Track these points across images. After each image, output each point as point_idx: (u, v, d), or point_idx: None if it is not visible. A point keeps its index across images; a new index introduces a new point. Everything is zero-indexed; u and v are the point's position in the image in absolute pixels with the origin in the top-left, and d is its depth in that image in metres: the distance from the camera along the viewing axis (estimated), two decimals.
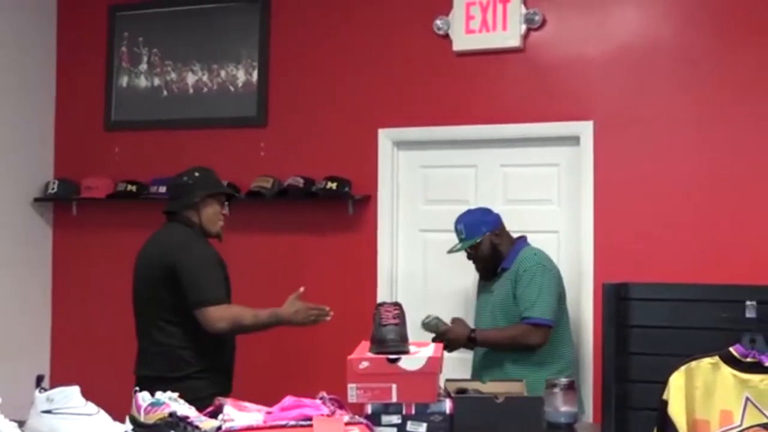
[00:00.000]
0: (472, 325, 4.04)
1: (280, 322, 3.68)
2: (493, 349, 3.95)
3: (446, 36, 4.70)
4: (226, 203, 3.95)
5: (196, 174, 3.88)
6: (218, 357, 3.77)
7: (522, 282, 3.89)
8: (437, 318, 3.90)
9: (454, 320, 3.99)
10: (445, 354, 3.23)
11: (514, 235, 4.11)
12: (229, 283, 3.81)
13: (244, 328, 3.69)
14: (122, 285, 5.31)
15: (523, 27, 4.56)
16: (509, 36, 4.57)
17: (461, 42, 4.66)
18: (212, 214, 3.86)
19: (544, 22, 4.56)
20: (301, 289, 3.66)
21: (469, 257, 4.10)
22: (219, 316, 3.61)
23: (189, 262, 3.67)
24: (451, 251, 4.12)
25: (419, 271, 4.86)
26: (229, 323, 3.62)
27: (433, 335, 3.84)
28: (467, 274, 4.41)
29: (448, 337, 3.84)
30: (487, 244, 4.02)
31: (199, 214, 3.83)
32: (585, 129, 4.47)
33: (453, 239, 4.34)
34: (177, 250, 3.70)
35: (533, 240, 4.15)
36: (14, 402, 2.55)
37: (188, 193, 3.82)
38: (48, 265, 5.52)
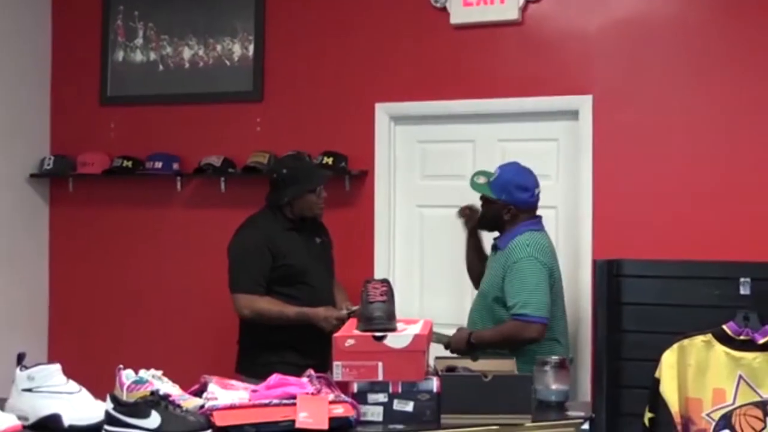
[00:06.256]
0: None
1: (308, 322, 3.86)
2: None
3: (444, 9, 4.63)
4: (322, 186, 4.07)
5: (284, 171, 4.05)
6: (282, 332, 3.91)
7: (511, 275, 3.65)
8: (437, 333, 3.58)
9: (459, 329, 3.79)
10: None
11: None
12: (286, 267, 3.95)
13: (268, 320, 3.91)
14: (119, 260, 5.35)
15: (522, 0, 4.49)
16: (507, 9, 4.49)
17: (459, 15, 4.58)
18: (306, 207, 4.03)
19: None
20: (344, 312, 3.83)
21: (481, 198, 3.93)
22: (244, 304, 3.91)
23: (231, 249, 4.03)
24: (473, 180, 3.94)
25: (416, 246, 4.81)
26: (251, 312, 3.91)
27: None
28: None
29: (451, 347, 3.70)
30: (495, 210, 3.82)
31: (293, 210, 4.02)
32: (584, 103, 4.40)
33: (450, 215, 4.30)
34: (232, 237, 4.05)
35: None
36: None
37: (278, 194, 4.01)
38: (44, 241, 5.49)
